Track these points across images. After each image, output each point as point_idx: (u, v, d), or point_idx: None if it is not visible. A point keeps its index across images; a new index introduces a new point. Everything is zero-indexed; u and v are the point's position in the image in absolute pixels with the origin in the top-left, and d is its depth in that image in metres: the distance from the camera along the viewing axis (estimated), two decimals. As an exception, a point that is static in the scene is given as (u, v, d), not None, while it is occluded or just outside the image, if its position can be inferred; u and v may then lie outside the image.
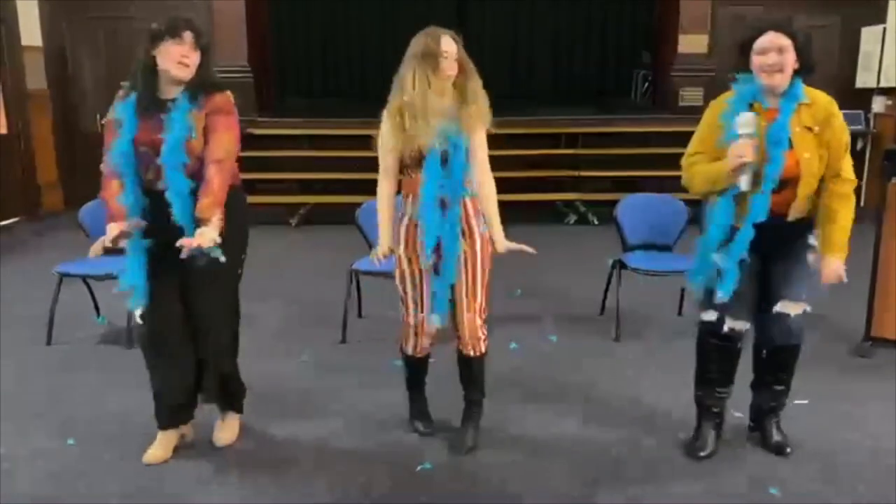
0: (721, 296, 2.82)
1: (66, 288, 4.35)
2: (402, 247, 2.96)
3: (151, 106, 2.73)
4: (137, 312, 2.82)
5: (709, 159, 2.82)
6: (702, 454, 3.02)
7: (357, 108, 10.23)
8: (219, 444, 3.11)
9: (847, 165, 2.80)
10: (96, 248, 2.87)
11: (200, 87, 2.75)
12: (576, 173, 8.30)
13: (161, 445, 3.01)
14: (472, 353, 3.02)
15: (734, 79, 2.81)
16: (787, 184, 2.74)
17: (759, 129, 2.71)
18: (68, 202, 8.28)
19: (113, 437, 3.18)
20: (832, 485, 2.81)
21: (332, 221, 6.94)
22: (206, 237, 2.59)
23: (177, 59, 2.68)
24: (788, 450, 3.03)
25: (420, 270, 2.95)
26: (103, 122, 9.02)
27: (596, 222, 7.80)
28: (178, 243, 2.57)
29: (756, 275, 2.89)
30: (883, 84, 8.39)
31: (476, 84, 2.88)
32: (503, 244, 2.96)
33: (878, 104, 8.55)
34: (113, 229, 2.68)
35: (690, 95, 8.85)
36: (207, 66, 2.78)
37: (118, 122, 2.74)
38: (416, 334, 3.06)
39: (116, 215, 2.72)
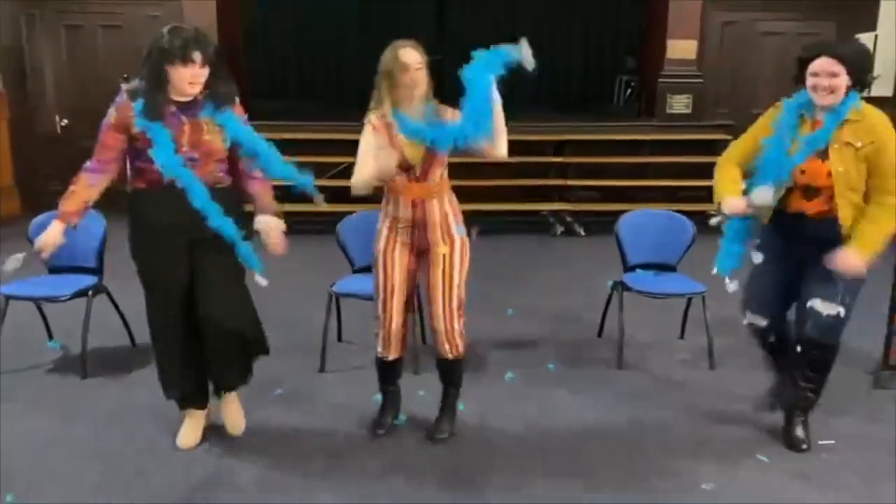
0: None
1: (17, 308, 3.92)
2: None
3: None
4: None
5: (742, 151, 3.12)
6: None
7: (334, 111, 9.84)
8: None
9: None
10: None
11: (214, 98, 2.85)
12: (563, 182, 7.99)
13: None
14: (449, 356, 3.08)
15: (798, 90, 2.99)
16: (819, 192, 2.92)
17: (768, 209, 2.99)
18: (25, 207, 7.95)
19: (63, 493, 2.79)
20: None
21: (307, 231, 6.55)
22: None
23: (188, 81, 2.76)
24: (805, 446, 3.12)
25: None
26: (63, 123, 8.21)
27: (583, 233, 7.51)
28: None
29: (783, 276, 3.10)
30: (875, 94, 8.16)
31: None
32: None
33: (871, 114, 8.33)
34: None
35: (678, 103, 8.60)
36: (219, 75, 2.85)
37: None
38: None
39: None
